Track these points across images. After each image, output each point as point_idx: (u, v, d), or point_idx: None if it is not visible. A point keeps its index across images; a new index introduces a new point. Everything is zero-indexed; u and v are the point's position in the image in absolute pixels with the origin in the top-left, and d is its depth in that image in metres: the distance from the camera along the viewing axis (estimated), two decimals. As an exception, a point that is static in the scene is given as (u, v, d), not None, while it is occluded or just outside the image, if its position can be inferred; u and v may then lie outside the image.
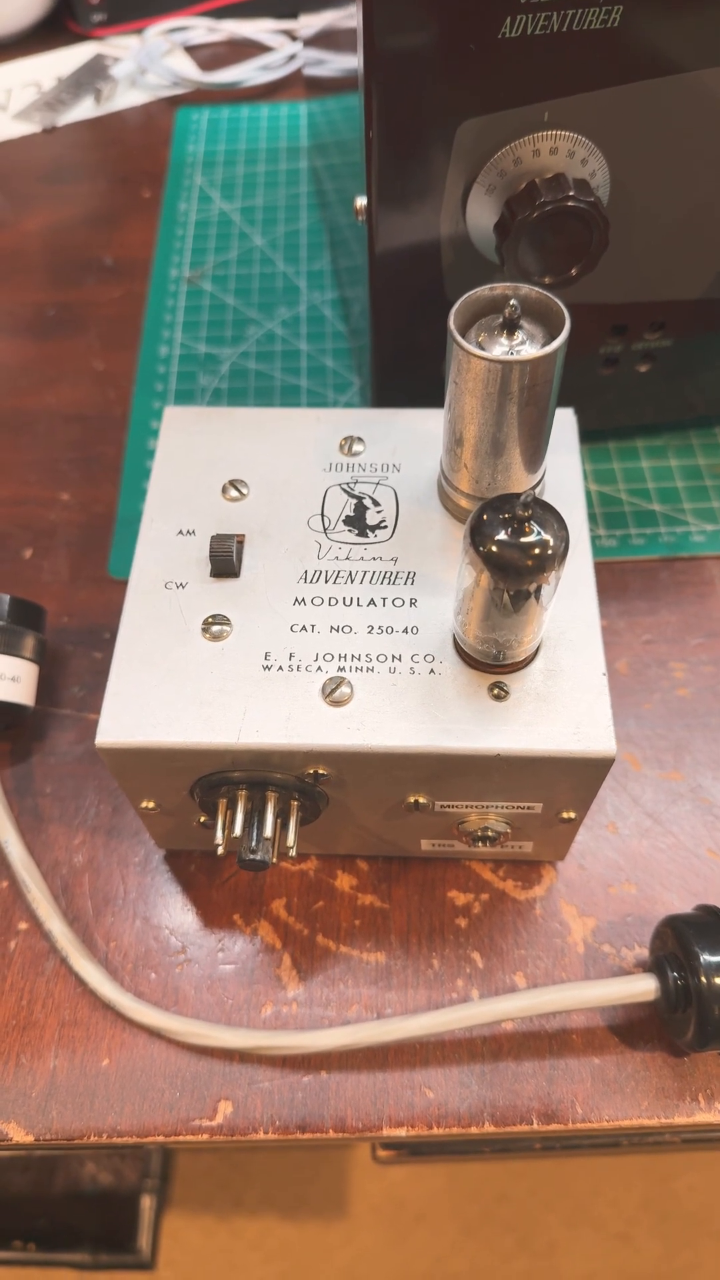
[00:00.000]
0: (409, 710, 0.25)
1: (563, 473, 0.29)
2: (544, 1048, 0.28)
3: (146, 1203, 0.78)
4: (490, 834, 0.29)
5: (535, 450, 0.26)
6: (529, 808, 0.27)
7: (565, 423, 0.30)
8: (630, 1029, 0.29)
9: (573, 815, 0.28)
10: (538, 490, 0.28)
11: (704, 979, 0.26)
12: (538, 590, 0.23)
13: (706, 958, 0.26)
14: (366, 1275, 0.98)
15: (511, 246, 0.29)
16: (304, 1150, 1.02)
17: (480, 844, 0.29)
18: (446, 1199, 1.01)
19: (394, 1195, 1.01)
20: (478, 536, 0.22)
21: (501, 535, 0.22)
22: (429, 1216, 1.01)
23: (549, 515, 0.22)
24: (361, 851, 0.31)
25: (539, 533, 0.22)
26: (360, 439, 0.30)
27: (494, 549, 0.22)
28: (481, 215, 0.30)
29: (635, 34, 0.27)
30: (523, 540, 0.22)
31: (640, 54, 0.27)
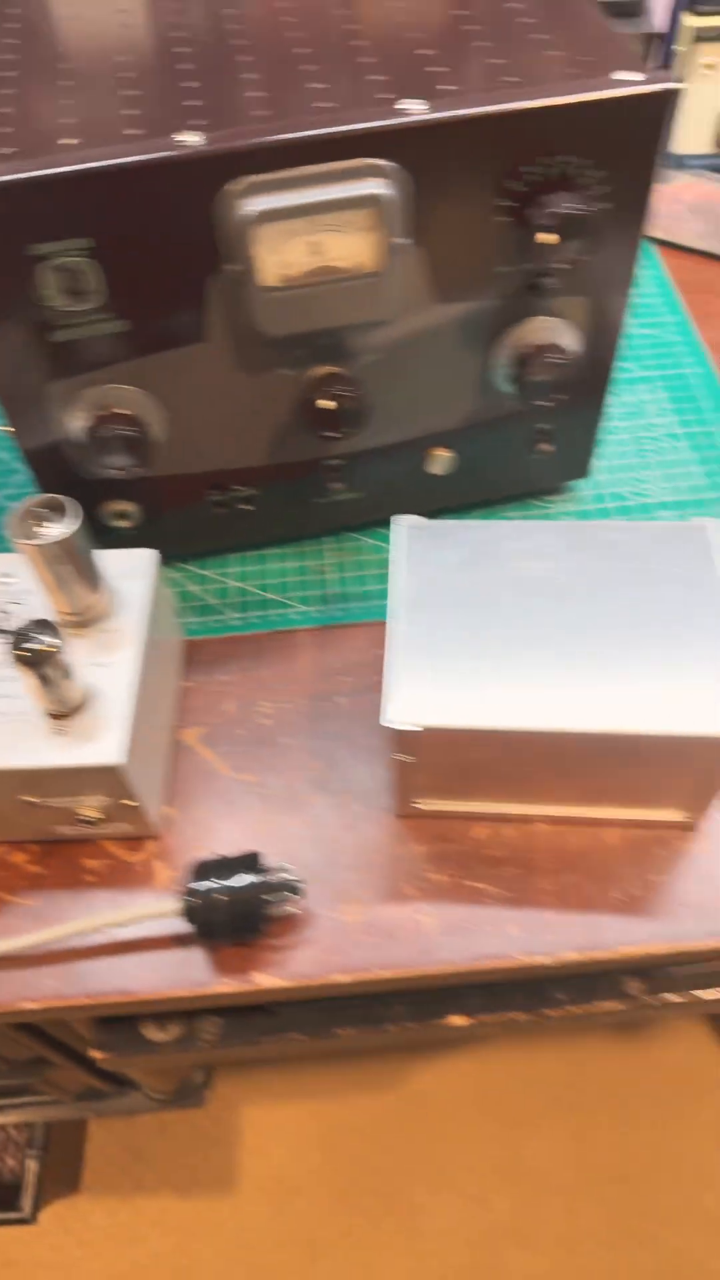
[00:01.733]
0: (13, 743, 0.43)
1: (135, 593, 0.47)
2: (125, 950, 0.45)
3: (31, 1166, 0.93)
4: (91, 819, 0.46)
5: (89, 583, 0.44)
6: (101, 798, 0.44)
7: (146, 561, 0.48)
8: (181, 939, 0.45)
9: (134, 803, 0.45)
10: (106, 600, 0.46)
11: (196, 899, 0.43)
12: (51, 672, 0.40)
13: (194, 885, 0.43)
14: (253, 1243, 1.12)
15: (90, 456, 0.47)
16: (197, 1134, 1.17)
17: (90, 826, 0.46)
18: (321, 1172, 1.16)
19: (274, 1172, 1.16)
20: (12, 648, 0.40)
21: (19, 644, 0.39)
22: (305, 1189, 1.15)
23: (44, 629, 0.40)
24: (30, 837, 0.49)
25: (36, 640, 0.39)
26: (12, 574, 0.48)
27: (17, 654, 0.39)
28: (80, 433, 0.48)
29: (139, 334, 0.45)
30: (26, 647, 0.39)
31: (144, 346, 0.45)
